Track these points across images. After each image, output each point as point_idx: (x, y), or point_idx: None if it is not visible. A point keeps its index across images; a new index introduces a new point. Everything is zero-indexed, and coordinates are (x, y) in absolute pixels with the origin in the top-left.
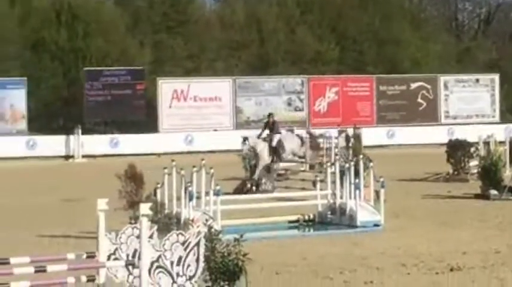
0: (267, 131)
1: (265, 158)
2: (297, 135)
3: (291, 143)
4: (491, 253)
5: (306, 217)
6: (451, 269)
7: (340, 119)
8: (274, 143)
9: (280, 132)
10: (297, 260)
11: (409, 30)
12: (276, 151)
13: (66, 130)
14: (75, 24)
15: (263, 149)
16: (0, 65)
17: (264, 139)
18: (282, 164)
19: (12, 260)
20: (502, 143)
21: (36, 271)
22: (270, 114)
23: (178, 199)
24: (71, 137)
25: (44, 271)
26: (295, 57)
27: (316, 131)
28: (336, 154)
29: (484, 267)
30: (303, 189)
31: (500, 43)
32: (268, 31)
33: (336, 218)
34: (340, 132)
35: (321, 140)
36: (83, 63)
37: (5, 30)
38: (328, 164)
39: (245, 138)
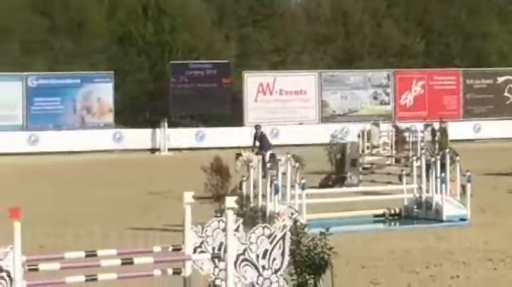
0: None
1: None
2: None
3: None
4: None
5: (392, 211)
6: None
7: (426, 112)
8: (267, 159)
9: (271, 148)
10: (383, 254)
11: (496, 23)
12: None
13: (152, 124)
14: (161, 18)
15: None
16: (88, 59)
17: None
18: (367, 158)
19: (100, 253)
20: None
21: (123, 264)
22: (257, 126)
23: (264, 193)
24: (157, 130)
25: (131, 263)
26: (381, 51)
27: (402, 125)
28: (421, 148)
29: None
30: (389, 183)
31: None
32: (354, 25)
33: (421, 213)
34: (426, 126)
35: (406, 134)
36: (169, 57)
37: (92, 24)
38: (414, 158)
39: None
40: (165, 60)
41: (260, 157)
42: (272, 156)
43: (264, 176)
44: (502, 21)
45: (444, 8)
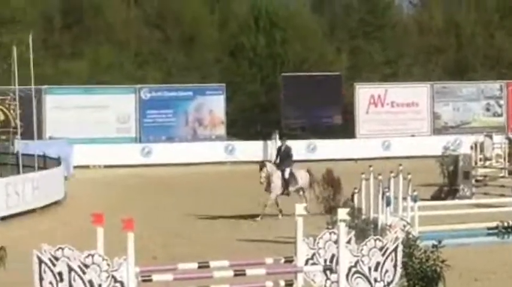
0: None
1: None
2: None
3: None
4: None
5: (505, 224)
6: None
7: None
8: (286, 176)
9: (291, 165)
10: (496, 267)
11: None
12: (287, 183)
13: (264, 136)
14: (273, 30)
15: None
16: (200, 71)
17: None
18: (480, 170)
19: (212, 264)
20: None
21: (235, 275)
22: (282, 139)
23: (376, 205)
24: (269, 142)
25: (243, 274)
26: (494, 62)
27: None
28: None
29: None
30: (502, 195)
31: None
32: (467, 36)
33: None
34: None
35: None
36: (281, 69)
37: (205, 36)
38: None
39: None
40: (276, 72)
41: (279, 172)
42: (292, 174)
43: (283, 193)
44: None
45: None
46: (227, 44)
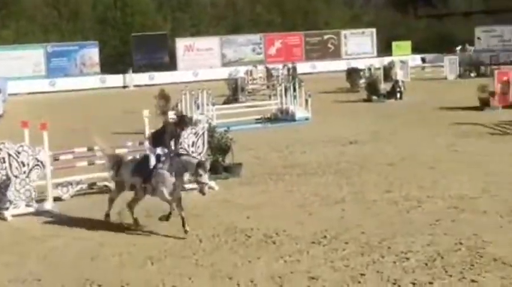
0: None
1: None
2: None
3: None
4: (375, 132)
5: (266, 116)
6: (350, 143)
7: (283, 58)
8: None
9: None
10: (261, 140)
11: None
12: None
13: (123, 71)
14: (125, 9)
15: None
16: (83, 35)
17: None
18: (250, 86)
19: (96, 147)
20: (378, 69)
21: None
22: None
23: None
24: (126, 75)
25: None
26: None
27: (270, 66)
28: (281, 79)
29: (372, 140)
30: (263, 100)
31: (377, 9)
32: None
33: (283, 116)
34: (283, 66)
35: (273, 71)
36: (131, 31)
37: (84, 13)
38: (277, 85)
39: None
40: (129, 34)
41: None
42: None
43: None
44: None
45: None
46: (99, 17)
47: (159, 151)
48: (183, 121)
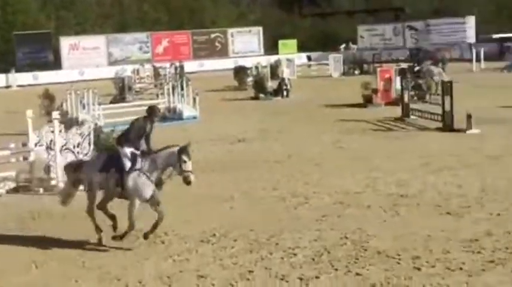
0: None
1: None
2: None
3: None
4: (262, 130)
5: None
6: (238, 140)
7: (170, 57)
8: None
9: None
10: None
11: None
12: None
13: (5, 71)
14: (6, 7)
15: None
16: None
17: None
18: (138, 85)
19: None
20: (265, 67)
21: None
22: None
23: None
24: (9, 74)
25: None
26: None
27: (157, 64)
28: (169, 78)
29: (260, 138)
30: (150, 99)
31: (263, 8)
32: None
33: (171, 115)
34: (171, 64)
35: (160, 69)
36: (13, 30)
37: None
38: (165, 83)
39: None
40: (11, 32)
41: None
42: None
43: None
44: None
45: None
46: None
47: (131, 150)
48: (153, 113)
